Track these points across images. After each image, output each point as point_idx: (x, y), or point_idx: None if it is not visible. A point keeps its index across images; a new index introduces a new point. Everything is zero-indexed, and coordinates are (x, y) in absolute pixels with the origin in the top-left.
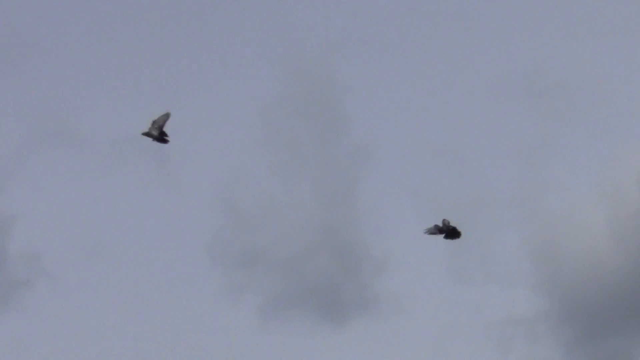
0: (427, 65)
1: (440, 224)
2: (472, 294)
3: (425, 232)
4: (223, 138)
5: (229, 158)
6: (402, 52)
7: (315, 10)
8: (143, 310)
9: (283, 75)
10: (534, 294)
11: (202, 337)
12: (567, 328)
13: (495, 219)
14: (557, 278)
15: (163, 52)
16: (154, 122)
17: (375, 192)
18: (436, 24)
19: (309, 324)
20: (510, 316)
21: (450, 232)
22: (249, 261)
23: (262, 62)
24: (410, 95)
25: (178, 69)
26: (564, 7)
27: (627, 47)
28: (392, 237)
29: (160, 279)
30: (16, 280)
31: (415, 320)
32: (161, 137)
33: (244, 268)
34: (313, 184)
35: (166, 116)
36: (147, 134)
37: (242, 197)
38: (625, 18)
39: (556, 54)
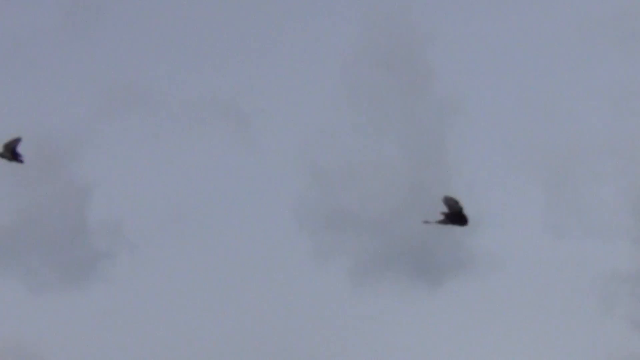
0: (515, 11)
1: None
2: (571, 249)
3: (427, 222)
4: (304, 97)
5: (311, 118)
6: None
7: None
8: (229, 276)
9: (364, 29)
10: (636, 248)
11: (291, 302)
12: None
13: (592, 170)
14: None
15: (240, 11)
16: (5, 146)
17: (465, 147)
18: None
19: (402, 286)
20: (613, 272)
21: (457, 217)
22: (337, 223)
23: (341, 15)
24: (497, 43)
25: (255, 27)
26: None
27: None
28: (485, 193)
29: (245, 245)
30: (97, 251)
31: (512, 279)
32: (15, 157)
33: (332, 230)
34: (399, 141)
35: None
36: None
37: (326, 158)
38: None
39: None
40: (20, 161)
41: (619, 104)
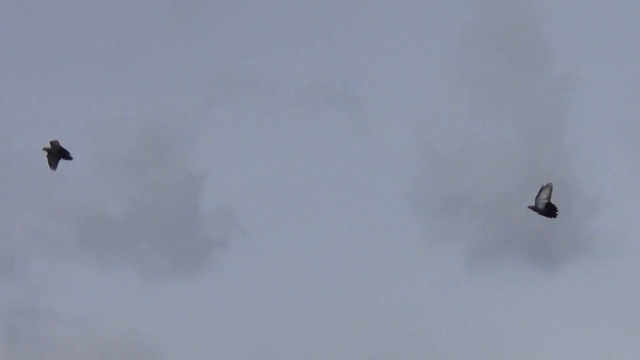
0: None
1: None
2: None
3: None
4: (418, 80)
5: (425, 101)
6: None
7: None
8: (343, 262)
9: (478, 7)
10: None
11: (406, 287)
12: None
13: None
14: None
15: None
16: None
17: (583, 127)
18: None
19: (519, 270)
20: None
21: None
22: (453, 207)
23: None
24: (616, 20)
25: (368, 11)
26: None
27: None
28: (604, 174)
29: (360, 230)
30: (211, 239)
31: (633, 262)
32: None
33: (448, 214)
34: (515, 121)
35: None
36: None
37: (441, 140)
38: None
39: None
40: (69, 157)
41: None
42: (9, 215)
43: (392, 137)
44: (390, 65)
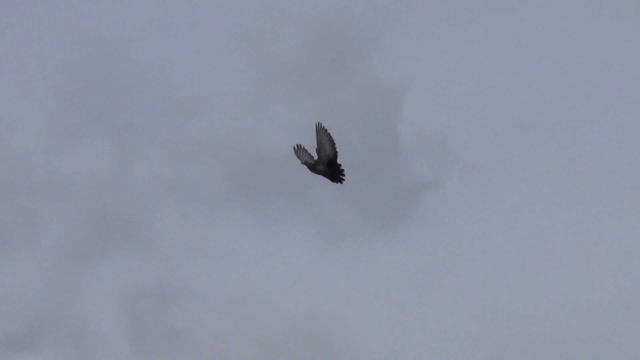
0: None
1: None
2: None
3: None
4: None
5: None
6: None
7: None
8: (591, 204)
9: None
10: None
11: None
12: None
13: None
14: None
15: None
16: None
17: None
18: None
19: None
20: None
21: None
22: None
23: None
24: None
25: None
26: None
27: None
28: None
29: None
30: (415, 177)
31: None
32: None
33: None
34: None
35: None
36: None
37: None
38: None
39: None
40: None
41: None
42: (128, 157)
43: None
44: None
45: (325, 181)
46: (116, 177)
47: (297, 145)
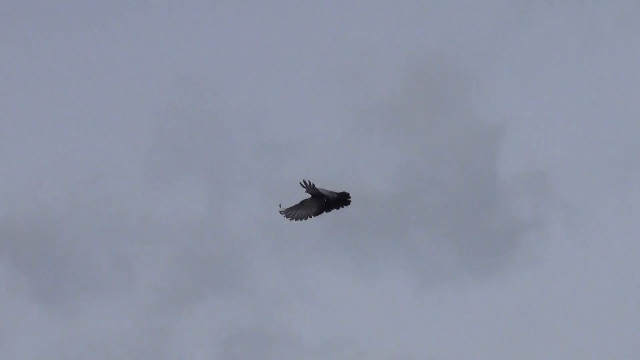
0: None
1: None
2: None
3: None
4: None
5: None
6: None
7: None
8: None
9: None
10: None
11: None
12: None
13: None
14: None
15: None
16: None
17: None
18: None
19: None
20: None
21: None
22: None
23: None
24: None
25: None
26: None
27: None
28: None
29: None
30: (515, 217)
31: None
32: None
33: None
34: None
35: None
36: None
37: None
38: None
39: None
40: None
41: None
42: (224, 200)
43: None
44: None
45: (422, 222)
46: (212, 219)
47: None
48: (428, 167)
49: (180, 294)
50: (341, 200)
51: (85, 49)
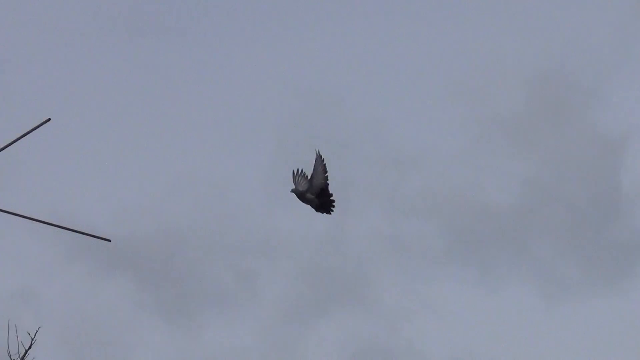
0: None
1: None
2: None
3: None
4: None
5: None
6: None
7: None
8: None
9: None
10: None
11: None
12: None
13: None
14: None
15: None
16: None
17: None
18: None
19: None
20: None
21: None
22: None
23: None
24: None
25: None
26: None
27: None
28: None
29: None
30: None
31: None
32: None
33: None
34: None
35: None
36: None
37: None
38: None
39: None
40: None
41: None
42: (347, 214)
43: None
44: None
45: (546, 234)
46: (335, 234)
47: (297, 169)
48: (551, 179)
49: (304, 309)
50: (326, 203)
51: (207, 64)
